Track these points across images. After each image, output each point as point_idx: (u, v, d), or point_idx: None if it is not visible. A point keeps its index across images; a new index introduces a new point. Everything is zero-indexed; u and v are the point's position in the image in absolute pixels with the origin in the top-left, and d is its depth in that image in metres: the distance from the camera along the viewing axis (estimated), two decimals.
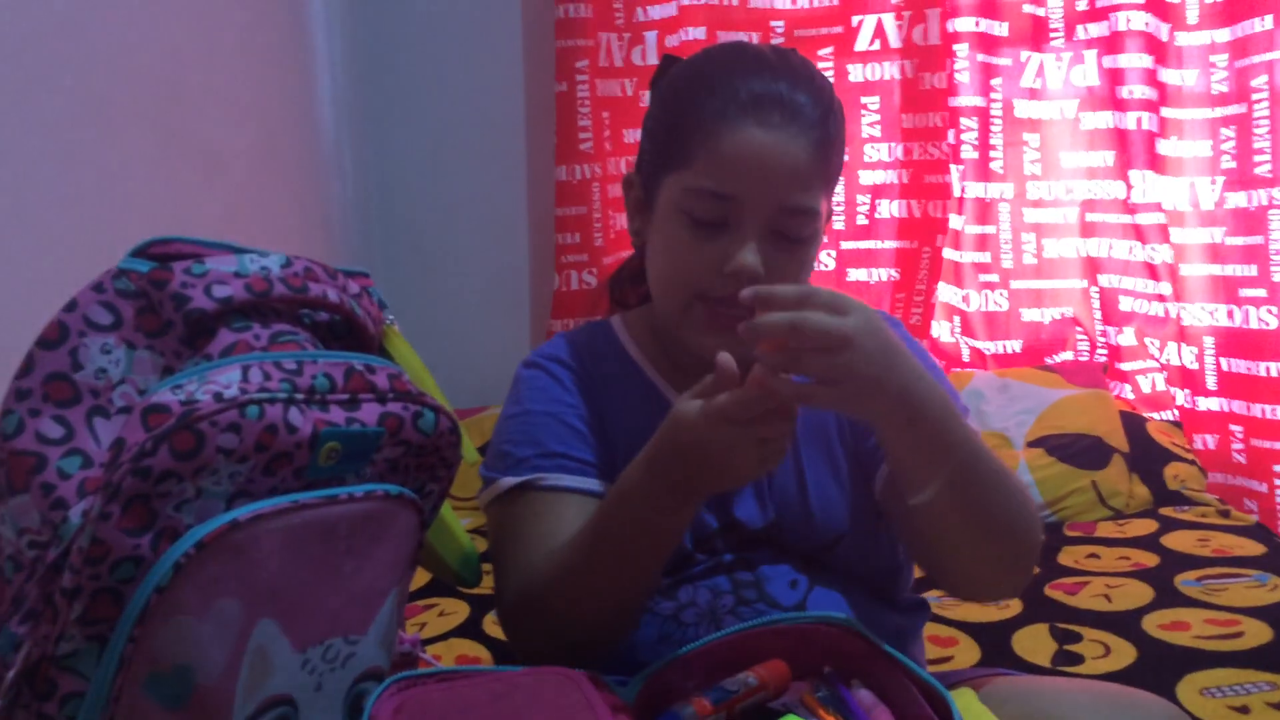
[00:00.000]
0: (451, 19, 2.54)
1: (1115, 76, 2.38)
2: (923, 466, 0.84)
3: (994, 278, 2.47)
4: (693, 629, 0.94)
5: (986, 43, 2.43)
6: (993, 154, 2.45)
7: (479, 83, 2.56)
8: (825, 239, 1.05)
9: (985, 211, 2.46)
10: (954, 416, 0.84)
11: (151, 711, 0.62)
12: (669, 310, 0.99)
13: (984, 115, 2.44)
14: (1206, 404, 2.40)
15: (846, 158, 2.46)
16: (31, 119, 1.21)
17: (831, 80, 2.42)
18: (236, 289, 0.70)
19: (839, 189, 2.50)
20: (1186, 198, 2.38)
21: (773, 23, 2.51)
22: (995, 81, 2.44)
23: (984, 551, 0.89)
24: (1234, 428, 2.35)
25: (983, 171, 2.45)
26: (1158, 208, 2.36)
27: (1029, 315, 2.50)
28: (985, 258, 2.47)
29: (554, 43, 2.47)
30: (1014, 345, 2.49)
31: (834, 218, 2.51)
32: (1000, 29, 2.43)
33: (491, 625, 1.60)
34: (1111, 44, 2.37)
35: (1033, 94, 2.45)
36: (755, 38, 2.51)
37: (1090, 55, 2.40)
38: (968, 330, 2.49)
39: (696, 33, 2.48)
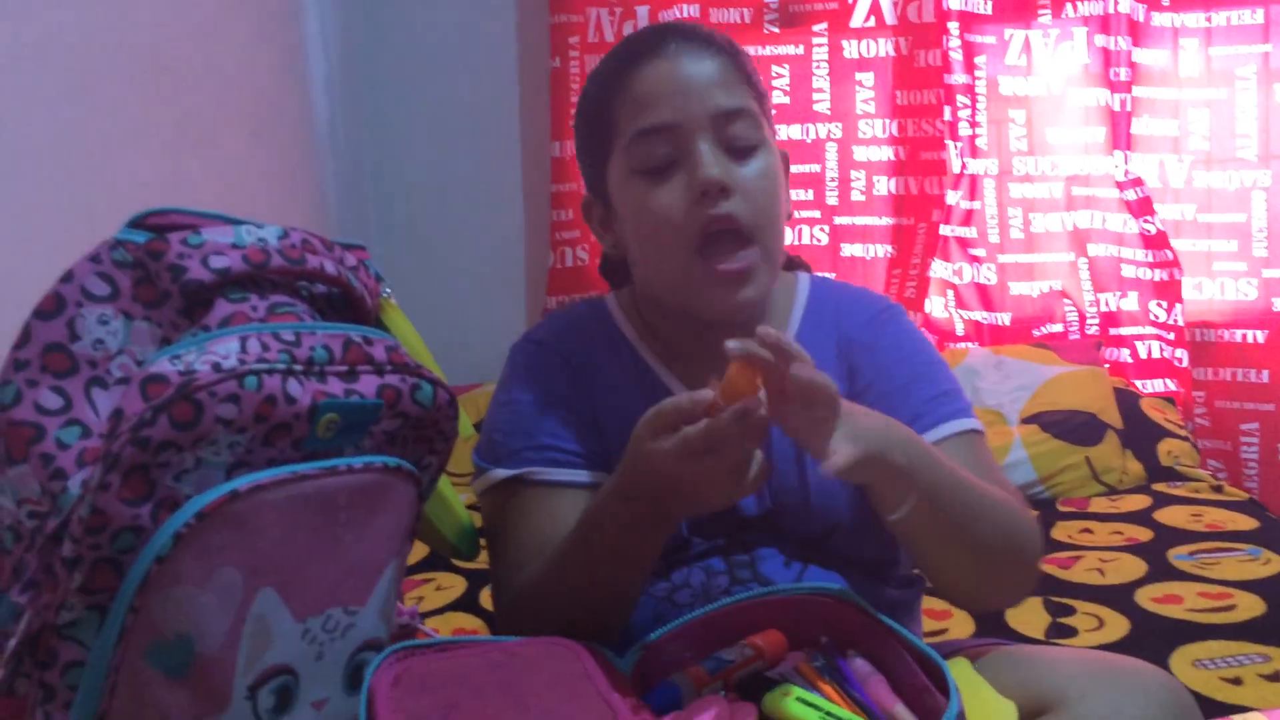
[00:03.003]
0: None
1: (1106, 56, 2.40)
2: (889, 493, 0.85)
3: (981, 252, 2.50)
4: (687, 609, 0.94)
5: (970, 20, 2.44)
6: (977, 130, 2.46)
7: (474, 58, 2.55)
8: (789, 169, 1.05)
9: (972, 187, 2.48)
10: (919, 453, 0.85)
11: (153, 680, 0.62)
12: (672, 278, 0.98)
13: (970, 92, 2.45)
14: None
15: (839, 133, 2.46)
16: (23, 93, 1.21)
17: (827, 55, 2.43)
18: (234, 260, 0.70)
19: (832, 164, 2.50)
20: (1156, 174, 2.43)
21: None
22: (980, 59, 2.45)
23: (965, 563, 0.90)
24: (1195, 394, 2.45)
25: (969, 148, 2.46)
26: (1139, 183, 2.39)
27: (1017, 289, 2.52)
28: (972, 233, 2.49)
29: (548, 18, 2.46)
30: (1004, 318, 2.51)
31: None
32: (985, 6, 2.44)
33: (488, 599, 1.61)
34: (1102, 23, 2.39)
35: (1020, 71, 2.46)
36: (748, 14, 2.49)
37: (1080, 33, 2.41)
38: (961, 304, 2.51)
39: (691, 9, 2.47)
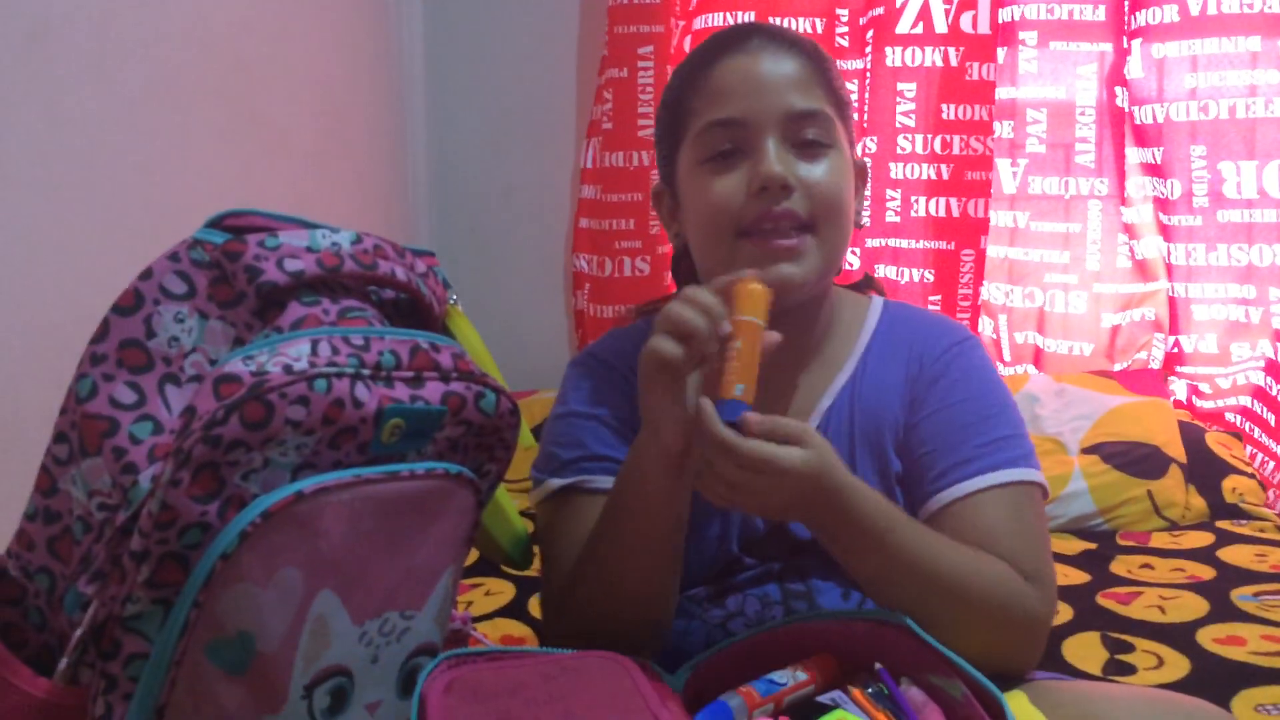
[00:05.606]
0: (513, 5, 2.55)
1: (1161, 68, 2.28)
2: (850, 559, 0.86)
3: (1072, 279, 2.39)
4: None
5: (1061, 30, 2.33)
6: (1081, 147, 2.35)
7: (535, 64, 2.57)
8: (868, 182, 1.07)
9: (1070, 209, 2.38)
10: (882, 529, 0.84)
11: (212, 676, 0.63)
12: (718, 260, 0.96)
13: (1065, 108, 2.35)
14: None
15: (874, 148, 2.39)
16: (105, 92, 1.23)
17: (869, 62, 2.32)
18: (308, 263, 0.71)
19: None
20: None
21: (839, 10, 2.45)
22: (1084, 69, 2.33)
23: (937, 621, 0.84)
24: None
25: (1068, 166, 2.36)
26: (1248, 205, 2.26)
27: (1110, 320, 2.42)
28: (1065, 258, 2.39)
29: (606, 26, 2.45)
30: (1086, 347, 2.42)
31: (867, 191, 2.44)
32: (1080, 13, 2.33)
33: (537, 606, 1.61)
34: (1162, 33, 2.28)
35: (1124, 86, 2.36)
36: (820, 24, 2.45)
37: (1136, 45, 2.30)
38: (1039, 329, 2.44)
39: (752, 19, 2.45)
